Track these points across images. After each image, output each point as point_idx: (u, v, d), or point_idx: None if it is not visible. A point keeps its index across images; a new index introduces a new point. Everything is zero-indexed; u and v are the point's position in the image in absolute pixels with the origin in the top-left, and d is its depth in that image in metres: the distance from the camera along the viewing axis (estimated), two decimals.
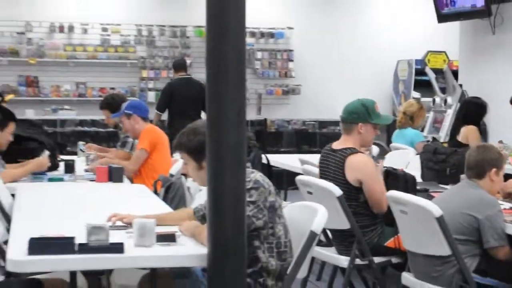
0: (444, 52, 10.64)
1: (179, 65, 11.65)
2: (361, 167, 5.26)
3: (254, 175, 3.77)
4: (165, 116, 11.03)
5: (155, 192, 5.97)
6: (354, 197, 5.18)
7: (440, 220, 4.29)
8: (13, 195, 5.49)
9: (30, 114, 11.75)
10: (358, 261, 5.27)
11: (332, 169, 5.43)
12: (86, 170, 6.94)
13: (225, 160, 3.15)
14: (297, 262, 3.83)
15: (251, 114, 12.03)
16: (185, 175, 6.12)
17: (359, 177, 5.23)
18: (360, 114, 5.45)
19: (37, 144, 6.97)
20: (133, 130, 6.98)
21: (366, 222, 5.27)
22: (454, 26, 10.95)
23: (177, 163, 6.74)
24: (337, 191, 5.14)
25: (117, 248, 3.47)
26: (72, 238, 3.49)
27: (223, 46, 3.14)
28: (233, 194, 3.19)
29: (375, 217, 5.30)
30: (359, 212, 5.22)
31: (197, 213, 4.02)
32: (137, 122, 6.89)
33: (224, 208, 3.19)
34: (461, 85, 9.47)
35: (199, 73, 13.44)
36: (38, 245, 3.44)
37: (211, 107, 3.15)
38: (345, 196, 5.11)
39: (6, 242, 4.12)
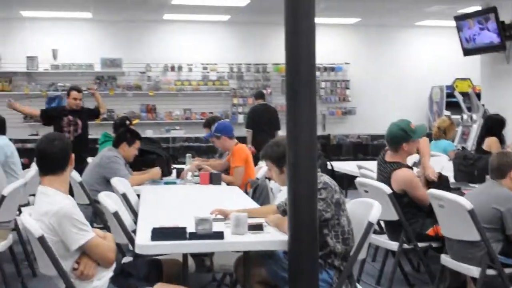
0: (469, 79, 10.53)
1: (258, 95, 12.05)
2: (405, 180, 5.32)
3: (323, 178, 3.85)
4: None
5: (246, 192, 5.98)
6: (398, 200, 5.15)
7: (471, 212, 4.34)
8: (138, 196, 5.57)
9: (149, 133, 11.89)
10: (405, 245, 5.25)
11: (383, 176, 5.48)
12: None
13: (301, 166, 3.19)
14: (358, 247, 3.86)
15: (318, 131, 11.94)
16: (269, 178, 6.14)
17: (403, 188, 5.29)
18: (400, 137, 5.46)
19: (156, 156, 7.06)
20: (223, 147, 7.14)
21: (409, 215, 5.25)
22: (476, 58, 10.77)
23: (262, 169, 6.75)
24: (388, 189, 5.13)
25: (219, 235, 3.55)
26: (184, 228, 3.59)
27: (298, 79, 3.16)
28: (308, 193, 3.24)
29: (418, 211, 5.27)
30: (404, 209, 5.20)
31: (280, 208, 4.12)
32: (225, 140, 6.96)
33: (301, 204, 3.23)
34: (483, 105, 9.33)
35: (276, 100, 13.70)
36: (159, 233, 3.54)
37: (290, 126, 3.20)
38: None
39: (134, 231, 4.18)
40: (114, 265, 3.79)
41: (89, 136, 9.46)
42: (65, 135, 3.84)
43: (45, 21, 13.20)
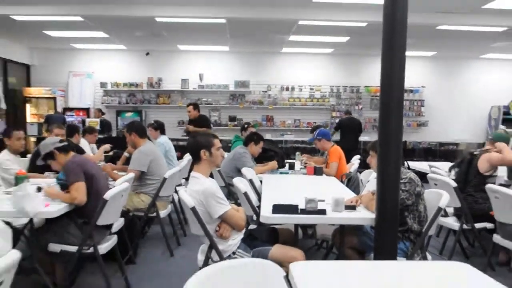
0: None
1: (347, 111, 12.17)
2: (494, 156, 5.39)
3: (410, 174, 3.92)
4: None
5: (341, 181, 6.00)
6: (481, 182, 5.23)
7: None
8: (261, 181, 5.67)
9: (268, 136, 12.03)
10: (464, 226, 5.17)
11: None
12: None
13: (389, 163, 3.20)
14: (429, 225, 3.84)
15: None
16: (360, 171, 6.17)
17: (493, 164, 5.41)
18: (504, 138, 5.67)
19: (274, 153, 7.15)
20: (323, 148, 7.10)
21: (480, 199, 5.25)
22: None
23: (354, 165, 6.74)
24: (453, 183, 5.07)
25: (322, 212, 3.62)
26: (297, 205, 3.67)
27: (390, 98, 3.17)
28: (393, 182, 3.23)
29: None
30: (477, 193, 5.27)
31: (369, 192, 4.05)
32: (324, 143, 6.96)
33: (387, 190, 3.23)
34: None
35: (365, 113, 13.68)
36: (278, 209, 3.64)
37: (382, 133, 3.22)
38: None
39: (258, 207, 4.27)
40: (244, 231, 3.92)
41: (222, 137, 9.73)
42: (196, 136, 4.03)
43: (194, 53, 13.60)
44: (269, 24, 9.91)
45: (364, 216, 3.67)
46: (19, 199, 3.82)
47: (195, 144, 3.92)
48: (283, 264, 3.56)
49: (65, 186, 4.46)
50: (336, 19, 9.17)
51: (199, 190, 3.71)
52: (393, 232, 3.23)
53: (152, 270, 5.25)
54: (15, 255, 2.05)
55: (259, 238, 3.99)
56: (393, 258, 3.20)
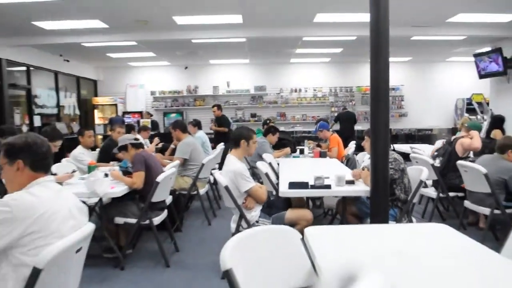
0: (482, 93, 9.92)
1: (343, 107, 12.38)
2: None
3: (394, 155, 3.86)
4: None
5: (341, 162, 5.93)
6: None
7: (486, 175, 4.18)
8: (278, 164, 5.62)
9: (282, 128, 11.93)
10: (441, 195, 5.09)
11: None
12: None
13: (379, 146, 3.13)
14: (413, 195, 3.80)
15: None
16: (356, 153, 6.09)
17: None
18: (477, 127, 5.63)
19: (287, 141, 7.11)
20: (324, 136, 7.02)
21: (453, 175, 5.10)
22: (487, 80, 10.14)
23: (351, 149, 6.65)
24: (430, 161, 4.99)
25: (328, 186, 3.55)
26: (307, 182, 3.60)
27: (378, 94, 3.10)
28: (382, 161, 3.17)
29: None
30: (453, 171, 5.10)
31: (364, 169, 3.96)
32: (325, 133, 6.90)
33: (378, 167, 3.17)
34: (491, 109, 8.74)
35: (358, 108, 13.39)
36: (293, 185, 3.59)
37: (373, 122, 3.17)
38: None
39: (276, 184, 4.22)
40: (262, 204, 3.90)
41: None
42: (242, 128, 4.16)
43: (222, 65, 13.54)
44: (280, 41, 9.86)
45: (361, 188, 3.61)
46: (91, 183, 3.84)
47: (239, 134, 3.98)
48: (297, 222, 3.57)
49: (125, 173, 4.49)
50: (332, 35, 9.11)
51: (231, 169, 3.74)
52: (385, 201, 3.17)
53: (195, 236, 5.25)
54: (90, 226, 2.05)
55: (277, 207, 3.96)
56: (386, 222, 3.15)
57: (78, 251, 1.96)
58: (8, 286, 1.78)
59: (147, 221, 4.19)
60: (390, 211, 3.57)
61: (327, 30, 8.69)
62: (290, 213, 3.75)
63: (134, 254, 4.54)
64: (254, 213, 3.77)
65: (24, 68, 10.22)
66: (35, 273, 1.73)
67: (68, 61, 11.63)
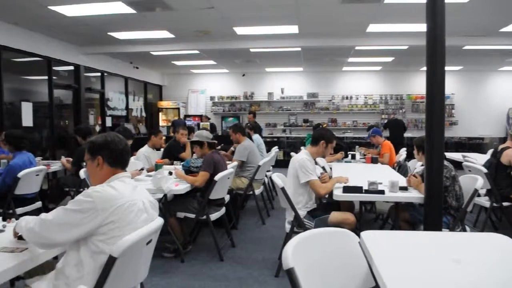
0: None
1: (393, 114, 12.17)
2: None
3: (444, 162, 3.58)
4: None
5: (393, 168, 5.75)
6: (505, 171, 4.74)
7: None
8: (330, 168, 5.53)
9: None
10: (494, 204, 4.80)
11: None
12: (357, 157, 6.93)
13: (434, 154, 3.01)
14: (467, 203, 3.60)
15: None
16: (408, 160, 5.90)
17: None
18: None
19: (339, 147, 6.97)
20: (377, 142, 6.84)
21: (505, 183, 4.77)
22: None
23: (402, 155, 6.44)
24: (484, 170, 4.71)
25: (381, 192, 3.46)
26: (361, 187, 3.50)
27: (433, 103, 2.98)
28: (437, 169, 3.03)
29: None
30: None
31: (417, 175, 3.80)
32: (378, 138, 6.73)
33: (433, 174, 3.04)
34: None
35: (408, 116, 12.94)
36: (347, 189, 3.50)
37: (428, 130, 3.04)
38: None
39: None
40: (310, 205, 3.81)
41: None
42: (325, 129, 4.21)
43: (277, 73, 13.50)
44: (333, 50, 9.71)
45: (415, 195, 3.47)
46: (158, 180, 3.93)
47: (321, 134, 3.97)
48: (341, 225, 3.48)
49: (187, 171, 4.56)
50: (384, 44, 8.85)
51: (298, 159, 3.76)
52: (439, 209, 3.03)
53: (249, 234, 5.26)
54: (160, 220, 2.09)
55: (322, 209, 3.88)
56: (439, 229, 3.01)
57: (148, 243, 2.00)
58: (85, 271, 1.84)
59: (205, 217, 4.24)
60: (443, 219, 3.41)
61: (379, 40, 8.49)
62: (333, 216, 3.65)
63: (193, 248, 4.61)
64: (300, 212, 3.71)
65: (98, 74, 10.69)
66: (111, 261, 1.78)
67: (137, 68, 12.07)
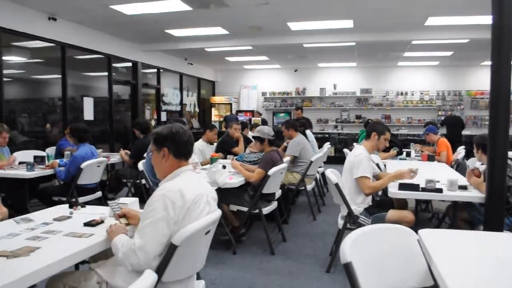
0: None
1: (451, 111, 11.73)
2: None
3: (508, 161, 3.41)
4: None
5: (451, 166, 5.54)
6: None
7: None
8: (384, 165, 5.38)
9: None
10: None
11: None
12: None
13: (497, 152, 2.88)
14: None
15: None
16: (467, 158, 5.66)
17: None
18: None
19: (393, 144, 6.78)
20: (431, 140, 6.63)
21: None
22: None
23: (460, 154, 6.20)
24: None
25: (439, 190, 3.38)
26: (418, 184, 3.42)
27: (498, 100, 2.85)
28: (500, 167, 2.91)
29: None
30: None
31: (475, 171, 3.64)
32: (432, 136, 6.50)
33: (495, 174, 2.92)
34: None
35: (467, 112, 12.43)
36: (403, 186, 3.43)
37: (492, 128, 2.92)
38: None
39: None
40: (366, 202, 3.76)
41: None
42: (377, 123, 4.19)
43: (330, 68, 13.35)
44: (389, 44, 9.46)
45: (475, 194, 3.33)
46: (213, 173, 4.01)
47: (371, 126, 3.95)
48: (398, 223, 3.39)
49: None
50: (444, 38, 8.50)
51: (355, 154, 3.71)
52: (501, 209, 2.90)
53: (300, 229, 5.26)
54: (219, 212, 2.14)
55: (379, 206, 3.81)
56: (500, 230, 2.88)
57: (207, 233, 2.07)
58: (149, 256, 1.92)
59: (257, 210, 4.29)
60: (505, 220, 3.26)
61: (438, 33, 8.18)
62: (391, 214, 3.58)
63: (245, 241, 4.68)
64: (357, 208, 3.67)
65: (155, 70, 11.03)
66: (172, 248, 1.86)
67: (191, 64, 12.35)
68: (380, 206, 3.83)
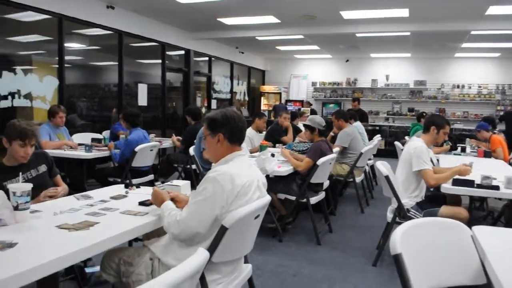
0: None
1: (511, 105, 10.89)
2: None
3: None
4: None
5: (510, 164, 5.27)
6: None
7: None
8: (437, 160, 5.20)
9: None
10: None
11: None
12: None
13: None
14: None
15: None
16: None
17: None
18: None
19: (449, 138, 6.49)
20: (482, 137, 6.36)
21: None
22: None
23: None
24: None
25: (496, 187, 3.25)
26: (473, 180, 3.31)
27: None
28: None
29: None
30: None
31: None
32: (482, 134, 6.23)
33: None
34: None
35: None
36: (457, 182, 3.33)
37: None
38: None
39: None
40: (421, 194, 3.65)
41: None
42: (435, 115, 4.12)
43: (382, 59, 13.03)
44: (446, 35, 9.10)
45: None
46: (262, 161, 4.05)
47: (431, 120, 3.86)
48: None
49: None
50: (506, 28, 8.01)
51: (413, 146, 3.61)
52: None
53: (347, 221, 5.21)
54: (268, 198, 2.17)
55: (433, 202, 3.69)
56: None
57: (256, 217, 2.10)
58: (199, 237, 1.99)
59: (305, 200, 4.29)
60: None
61: (500, 23, 7.73)
62: (444, 210, 3.47)
63: (291, 230, 4.70)
64: (409, 202, 3.59)
65: (206, 58, 11.20)
66: (222, 230, 1.91)
67: (242, 53, 12.44)
68: (432, 201, 3.72)
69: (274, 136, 6.22)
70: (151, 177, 5.45)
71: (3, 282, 1.35)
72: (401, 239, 1.53)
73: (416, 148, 3.57)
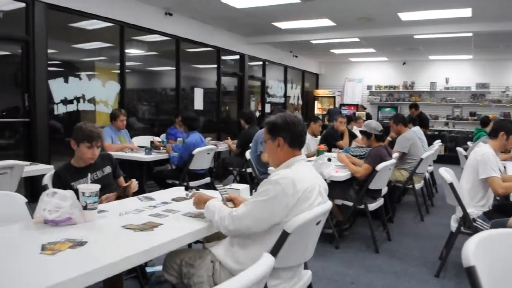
0: None
1: None
2: None
3: None
4: None
5: None
6: None
7: None
8: (505, 167, 4.92)
9: None
10: None
11: None
12: None
13: None
14: None
15: None
16: None
17: None
18: None
19: None
20: None
21: None
22: None
23: None
24: None
25: None
26: None
27: None
28: None
29: None
30: None
31: None
32: None
33: None
34: None
35: None
36: None
37: None
38: None
39: None
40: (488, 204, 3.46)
41: None
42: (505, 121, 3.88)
43: (442, 61, 12.57)
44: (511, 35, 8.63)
45: None
46: (319, 166, 4.00)
47: (500, 124, 3.67)
48: None
49: None
50: None
51: (481, 153, 3.42)
52: None
53: (406, 229, 5.03)
54: (329, 204, 2.12)
55: (498, 211, 3.48)
56: None
57: (318, 223, 2.06)
58: (263, 241, 1.97)
59: (362, 206, 4.19)
60: None
61: None
62: None
63: (348, 236, 4.60)
64: (475, 211, 3.40)
65: (260, 63, 11.27)
66: (284, 235, 1.88)
67: (296, 56, 12.40)
68: (500, 211, 3.51)
69: (330, 140, 6.13)
70: (208, 179, 5.54)
71: (73, 280, 1.40)
72: (474, 250, 1.43)
73: (483, 154, 3.38)
